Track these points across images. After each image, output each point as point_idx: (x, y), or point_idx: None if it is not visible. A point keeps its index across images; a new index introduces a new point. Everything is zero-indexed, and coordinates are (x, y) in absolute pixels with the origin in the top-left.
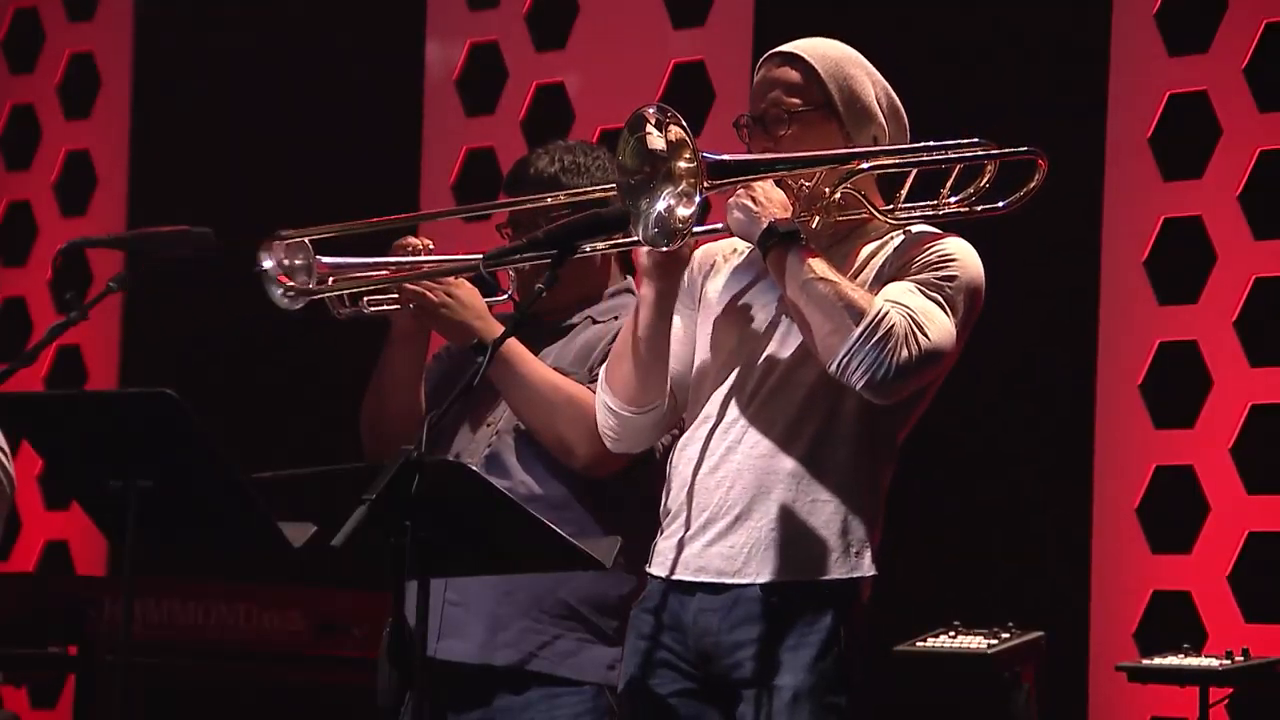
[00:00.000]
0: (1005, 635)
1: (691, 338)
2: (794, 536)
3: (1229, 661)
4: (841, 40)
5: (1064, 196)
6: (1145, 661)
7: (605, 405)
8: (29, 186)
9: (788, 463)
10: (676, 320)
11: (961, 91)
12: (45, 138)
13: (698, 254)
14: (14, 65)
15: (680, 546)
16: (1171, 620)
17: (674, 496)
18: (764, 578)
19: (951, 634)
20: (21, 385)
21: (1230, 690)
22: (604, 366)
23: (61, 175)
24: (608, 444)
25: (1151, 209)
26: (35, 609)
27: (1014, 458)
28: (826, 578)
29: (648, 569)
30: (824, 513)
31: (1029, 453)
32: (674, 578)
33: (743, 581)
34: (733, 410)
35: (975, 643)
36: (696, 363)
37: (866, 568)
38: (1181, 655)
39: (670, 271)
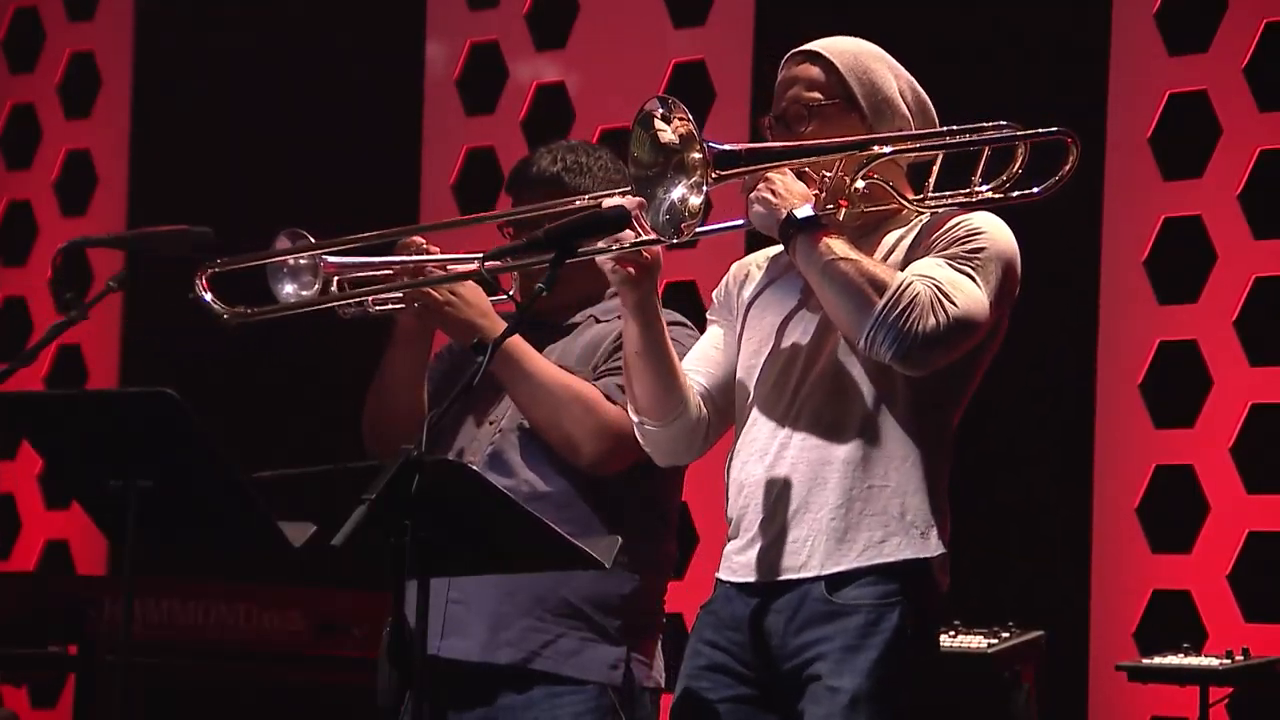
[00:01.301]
0: (1005, 635)
1: (730, 348)
2: (855, 523)
3: (1229, 661)
4: None
5: (1064, 196)
6: (1145, 661)
7: (632, 420)
8: (29, 186)
9: (840, 451)
10: (715, 330)
11: (961, 91)
12: (45, 137)
13: (733, 267)
14: (14, 65)
15: (744, 548)
16: (1171, 620)
17: (734, 502)
18: (828, 568)
19: (951, 633)
20: (21, 385)
21: (1230, 690)
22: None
23: (61, 175)
24: (656, 461)
25: (1151, 209)
26: (35, 609)
27: (1013, 457)
28: (892, 560)
29: (717, 574)
30: (882, 497)
31: (1028, 453)
32: (739, 580)
33: (807, 575)
34: (780, 409)
35: (975, 642)
36: (739, 369)
37: (934, 546)
38: (1181, 655)
39: (639, 282)
